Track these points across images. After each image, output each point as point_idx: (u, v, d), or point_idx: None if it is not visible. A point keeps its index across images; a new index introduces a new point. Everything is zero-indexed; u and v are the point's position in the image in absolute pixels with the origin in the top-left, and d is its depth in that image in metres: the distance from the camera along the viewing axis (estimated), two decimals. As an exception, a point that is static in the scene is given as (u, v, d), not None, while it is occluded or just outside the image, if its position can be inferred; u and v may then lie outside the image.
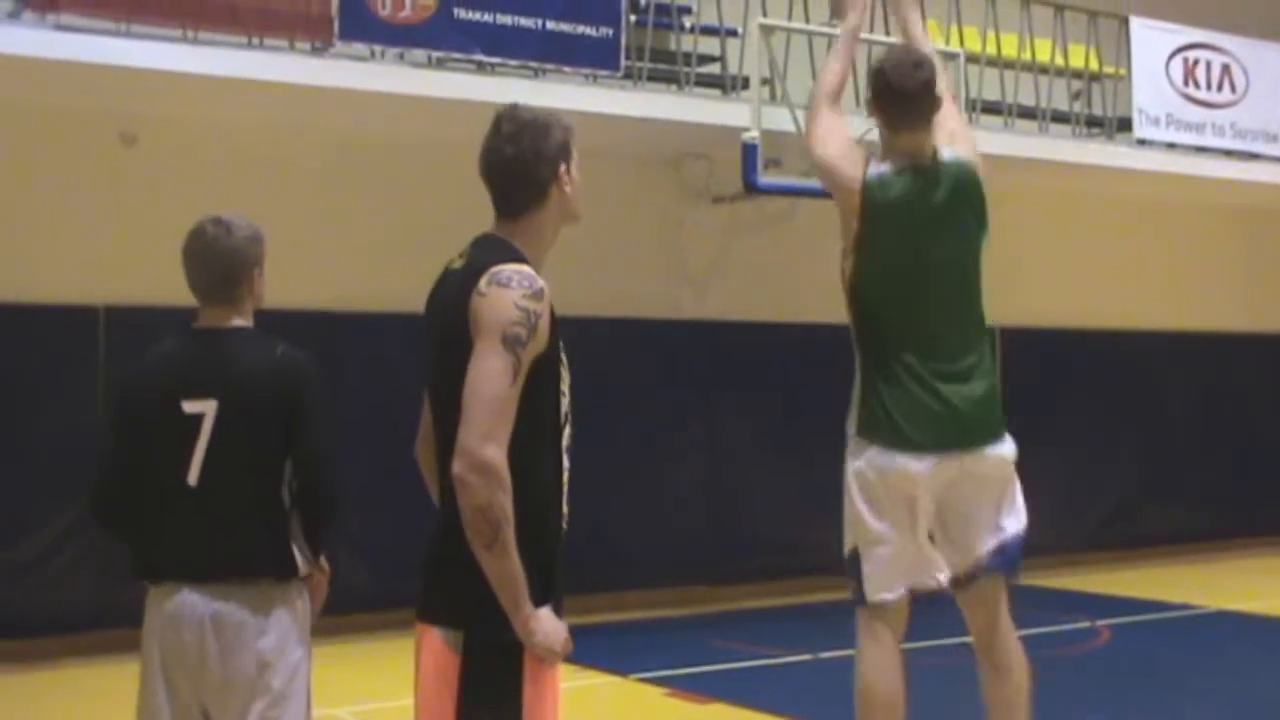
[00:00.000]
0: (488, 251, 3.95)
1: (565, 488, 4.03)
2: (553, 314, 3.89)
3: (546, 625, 3.79)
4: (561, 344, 3.96)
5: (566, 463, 4.04)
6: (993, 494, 5.93)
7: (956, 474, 5.82)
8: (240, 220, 4.82)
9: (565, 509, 4.04)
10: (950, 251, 5.91)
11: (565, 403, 3.99)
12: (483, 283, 3.82)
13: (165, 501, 4.69)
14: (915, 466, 5.74)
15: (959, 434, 5.80)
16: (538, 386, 3.84)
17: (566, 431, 4.02)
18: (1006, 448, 5.95)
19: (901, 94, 5.70)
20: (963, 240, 5.92)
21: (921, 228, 5.84)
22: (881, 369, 5.81)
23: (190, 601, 4.62)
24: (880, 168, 5.81)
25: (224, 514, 4.65)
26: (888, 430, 5.76)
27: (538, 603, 3.80)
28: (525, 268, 3.87)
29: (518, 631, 3.76)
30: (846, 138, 5.97)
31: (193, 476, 4.65)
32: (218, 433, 4.64)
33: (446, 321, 3.91)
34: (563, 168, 4.02)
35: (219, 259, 4.74)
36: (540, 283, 3.85)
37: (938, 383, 5.77)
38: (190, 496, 4.66)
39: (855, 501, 5.85)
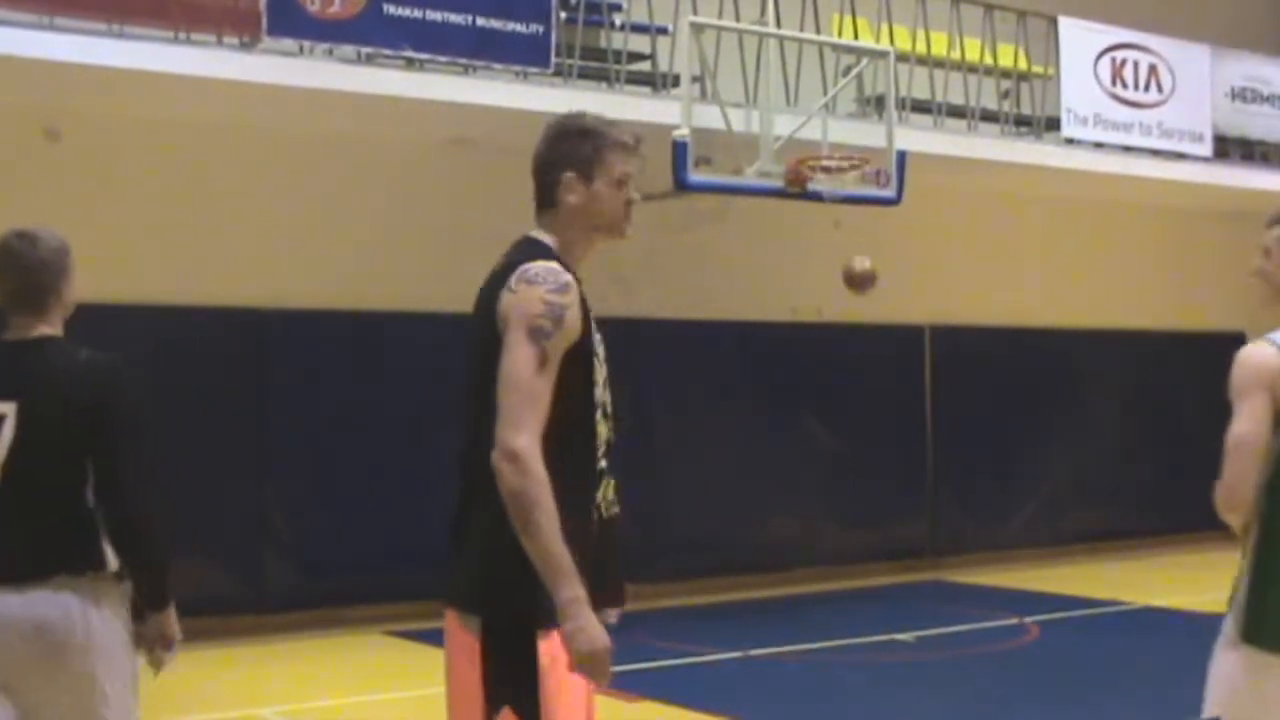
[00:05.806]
0: (521, 251, 4.14)
1: (600, 480, 4.18)
2: (585, 309, 4.07)
3: (589, 629, 3.81)
4: (597, 339, 4.14)
5: (601, 455, 4.17)
6: None
7: None
8: (45, 233, 4.91)
9: (602, 502, 4.13)
10: None
11: (599, 395, 4.15)
12: (513, 280, 4.00)
13: None
14: None
15: None
16: (569, 380, 3.98)
17: (605, 425, 4.19)
18: None
19: None
20: None
21: None
22: None
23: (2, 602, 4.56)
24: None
25: (27, 514, 4.64)
26: None
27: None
28: (554, 264, 4.05)
29: (559, 617, 3.80)
30: None
31: None
32: (19, 434, 4.65)
33: (480, 320, 4.04)
34: (569, 174, 4.17)
35: (26, 272, 4.83)
36: (566, 277, 4.02)
37: None
38: None
39: None
